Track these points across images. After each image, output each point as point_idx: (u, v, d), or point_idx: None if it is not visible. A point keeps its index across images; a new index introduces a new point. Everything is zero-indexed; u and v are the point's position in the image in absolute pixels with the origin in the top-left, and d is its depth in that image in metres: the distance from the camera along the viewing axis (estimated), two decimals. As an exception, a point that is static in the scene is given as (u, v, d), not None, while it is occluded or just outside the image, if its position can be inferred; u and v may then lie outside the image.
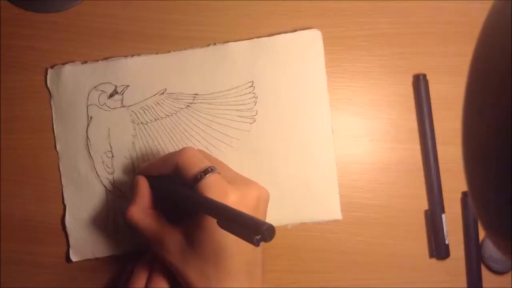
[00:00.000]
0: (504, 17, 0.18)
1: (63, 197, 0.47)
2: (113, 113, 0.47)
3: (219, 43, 0.48)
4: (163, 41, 0.48)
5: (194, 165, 0.39)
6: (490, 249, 0.47)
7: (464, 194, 0.48)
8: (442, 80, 0.48)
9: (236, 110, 0.47)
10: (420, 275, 0.48)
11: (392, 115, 0.48)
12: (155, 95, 0.47)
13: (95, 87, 0.47)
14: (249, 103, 0.47)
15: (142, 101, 0.47)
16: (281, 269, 0.48)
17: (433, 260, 0.48)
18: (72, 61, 0.48)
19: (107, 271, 0.48)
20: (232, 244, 0.38)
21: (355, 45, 0.48)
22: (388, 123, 0.48)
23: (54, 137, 0.48)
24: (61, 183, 0.47)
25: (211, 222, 0.37)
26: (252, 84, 0.47)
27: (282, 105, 0.47)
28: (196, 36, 0.48)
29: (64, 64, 0.48)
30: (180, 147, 0.44)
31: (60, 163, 0.47)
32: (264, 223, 0.31)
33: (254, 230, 0.31)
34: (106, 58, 0.48)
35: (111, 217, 0.47)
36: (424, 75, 0.48)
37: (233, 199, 0.37)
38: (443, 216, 0.47)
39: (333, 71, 0.48)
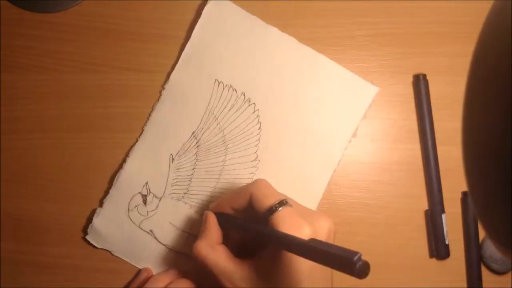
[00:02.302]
0: (504, 17, 0.18)
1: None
2: (160, 210, 0.47)
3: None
4: (163, 41, 0.48)
5: (269, 196, 0.39)
6: (490, 249, 0.47)
7: (464, 194, 0.48)
8: (442, 80, 0.48)
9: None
10: (420, 275, 0.48)
11: (392, 115, 0.48)
12: (169, 168, 0.47)
13: (129, 209, 0.47)
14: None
15: (167, 181, 0.47)
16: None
17: (433, 260, 0.48)
18: (75, 66, 0.48)
19: (105, 272, 0.48)
20: (306, 279, 0.37)
21: (355, 45, 0.48)
22: (388, 123, 0.48)
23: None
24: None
25: (286, 257, 0.37)
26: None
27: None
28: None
29: (92, 219, 0.47)
30: (227, 180, 0.47)
31: None
32: (356, 252, 0.30)
33: (348, 260, 0.30)
34: None
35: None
36: (424, 75, 0.48)
37: (307, 233, 0.37)
38: (443, 216, 0.47)
39: (333, 71, 0.48)
